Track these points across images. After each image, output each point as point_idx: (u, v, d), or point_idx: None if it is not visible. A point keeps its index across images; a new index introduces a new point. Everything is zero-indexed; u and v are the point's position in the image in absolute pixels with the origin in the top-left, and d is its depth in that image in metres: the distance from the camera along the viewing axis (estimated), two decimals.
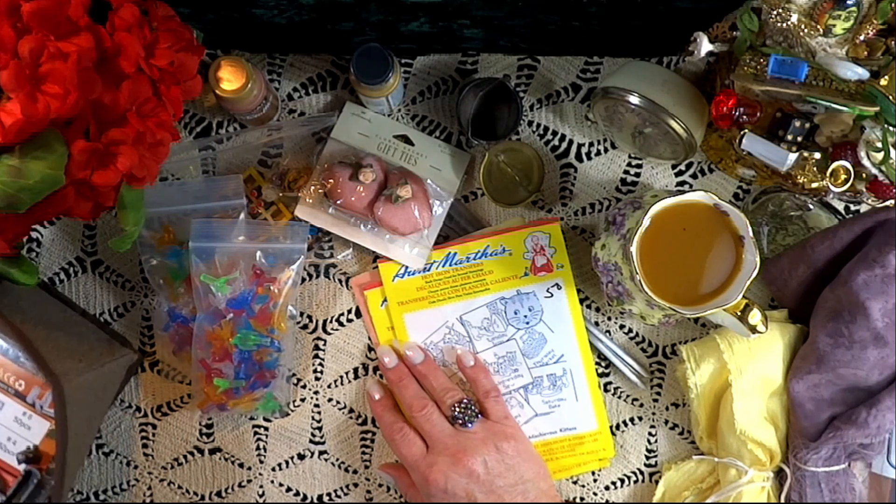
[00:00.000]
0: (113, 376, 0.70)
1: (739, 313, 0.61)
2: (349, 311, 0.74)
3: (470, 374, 0.68)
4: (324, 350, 0.74)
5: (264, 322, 0.70)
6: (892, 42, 0.55)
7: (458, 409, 0.64)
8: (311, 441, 0.74)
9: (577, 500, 0.74)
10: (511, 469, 0.64)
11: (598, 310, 0.74)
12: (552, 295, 0.73)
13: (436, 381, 0.67)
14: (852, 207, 0.73)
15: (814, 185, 0.62)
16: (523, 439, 0.66)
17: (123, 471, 0.75)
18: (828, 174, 0.61)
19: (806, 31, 0.56)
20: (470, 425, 0.64)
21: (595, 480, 0.74)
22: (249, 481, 0.75)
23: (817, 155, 0.61)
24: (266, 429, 0.74)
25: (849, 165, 0.60)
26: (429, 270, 0.73)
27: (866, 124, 0.57)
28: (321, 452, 0.75)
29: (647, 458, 0.74)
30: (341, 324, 0.74)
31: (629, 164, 0.74)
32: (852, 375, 0.67)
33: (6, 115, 0.48)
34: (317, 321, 0.74)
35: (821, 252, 0.68)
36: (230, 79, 0.65)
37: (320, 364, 0.74)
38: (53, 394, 0.59)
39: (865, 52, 0.56)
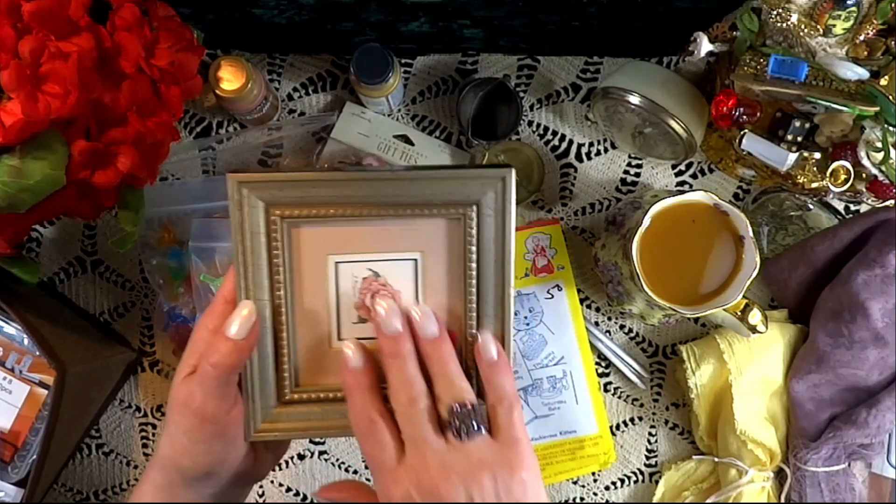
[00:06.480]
0: (111, 372, 0.71)
1: (739, 313, 0.61)
2: None
3: (486, 371, 0.47)
4: None
5: None
6: (892, 42, 0.55)
7: (457, 414, 0.44)
8: (311, 441, 0.74)
9: (577, 500, 0.74)
10: None
11: (598, 310, 0.74)
12: (552, 296, 0.73)
13: (445, 368, 0.46)
14: (852, 207, 0.73)
15: (814, 185, 0.62)
16: (535, 475, 0.45)
17: (123, 471, 0.75)
18: (828, 174, 0.61)
19: (806, 31, 0.56)
20: (466, 439, 0.44)
21: (595, 480, 0.74)
22: None
23: (817, 155, 0.61)
24: None
25: (849, 165, 0.60)
26: None
27: (866, 124, 0.57)
28: (321, 452, 0.75)
29: (647, 458, 0.74)
30: None
31: (629, 164, 0.74)
32: (852, 375, 0.67)
33: (7, 115, 0.48)
34: None
35: (821, 252, 0.68)
36: (230, 79, 0.65)
37: None
38: (56, 379, 0.59)
39: (865, 52, 0.56)
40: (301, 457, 0.74)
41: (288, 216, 0.44)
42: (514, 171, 0.44)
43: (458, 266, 0.46)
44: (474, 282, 0.46)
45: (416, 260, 0.46)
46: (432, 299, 0.47)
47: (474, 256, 0.45)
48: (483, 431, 0.44)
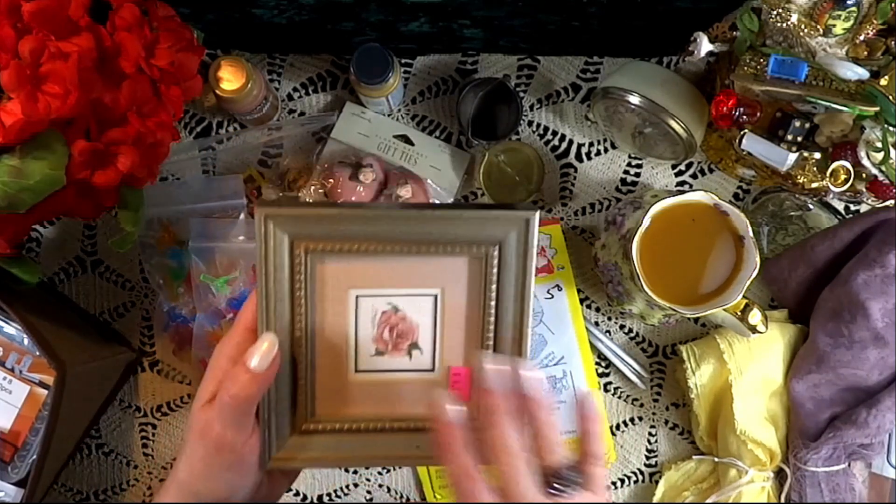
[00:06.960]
0: (110, 372, 0.71)
1: (739, 313, 0.61)
2: None
3: (584, 425, 0.50)
4: None
5: None
6: (892, 42, 0.55)
7: (564, 476, 0.47)
8: None
9: None
10: None
11: (598, 310, 0.74)
12: (552, 296, 0.73)
13: (549, 430, 0.48)
14: (852, 207, 0.73)
15: (814, 185, 0.62)
16: None
17: (123, 471, 0.75)
18: (828, 174, 0.61)
19: (806, 31, 0.56)
20: (570, 497, 0.46)
21: None
22: None
23: (817, 155, 0.61)
24: None
25: (849, 165, 0.60)
26: None
27: (866, 124, 0.57)
28: None
29: (647, 458, 0.74)
30: None
31: (629, 164, 0.74)
32: (852, 375, 0.67)
33: (7, 115, 0.48)
34: None
35: (821, 252, 0.68)
36: (230, 79, 0.65)
37: None
38: (56, 379, 0.59)
39: (865, 52, 0.56)
40: None
41: (312, 250, 0.45)
42: (538, 214, 0.45)
43: (477, 303, 0.46)
44: (492, 319, 0.46)
45: (436, 295, 0.46)
46: (450, 334, 0.47)
47: (494, 295, 0.46)
48: (579, 486, 0.46)
